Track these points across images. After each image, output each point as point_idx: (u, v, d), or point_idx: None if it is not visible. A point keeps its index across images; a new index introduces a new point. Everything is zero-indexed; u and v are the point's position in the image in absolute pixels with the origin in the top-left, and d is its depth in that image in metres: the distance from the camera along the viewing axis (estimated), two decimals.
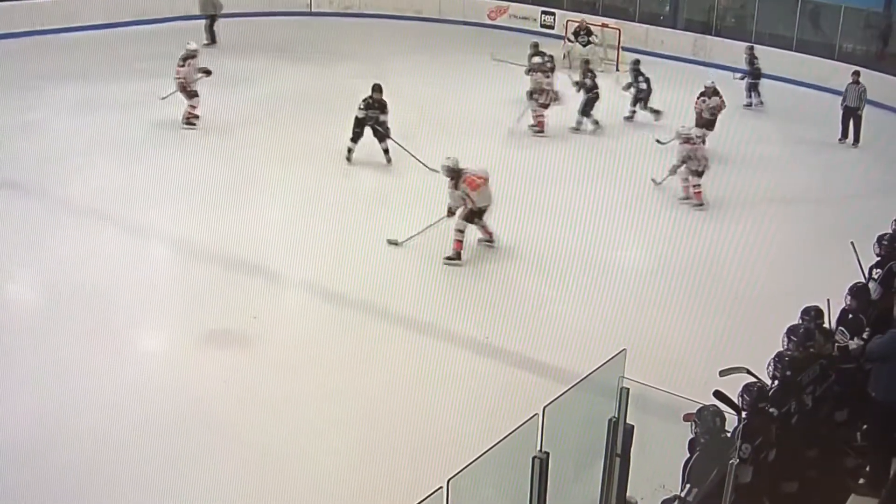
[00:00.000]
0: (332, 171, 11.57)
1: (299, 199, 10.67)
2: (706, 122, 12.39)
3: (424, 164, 10.15)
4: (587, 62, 14.24)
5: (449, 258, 9.21)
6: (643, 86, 14.03)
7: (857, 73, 13.64)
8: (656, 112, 13.94)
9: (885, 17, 16.94)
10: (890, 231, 7.05)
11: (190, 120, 12.43)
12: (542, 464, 4.13)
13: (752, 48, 15.71)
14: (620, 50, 17.70)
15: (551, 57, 14.25)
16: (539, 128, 13.36)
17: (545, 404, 4.11)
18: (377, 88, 11.35)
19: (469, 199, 9.22)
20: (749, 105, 15.32)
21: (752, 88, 15.48)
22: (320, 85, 14.82)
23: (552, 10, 19.57)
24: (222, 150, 11.88)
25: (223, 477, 5.92)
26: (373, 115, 11.29)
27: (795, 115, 15.29)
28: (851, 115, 13.61)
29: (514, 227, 9.89)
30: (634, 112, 14.12)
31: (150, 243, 9.55)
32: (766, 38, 17.83)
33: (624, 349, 4.74)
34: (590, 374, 4.67)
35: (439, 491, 3.55)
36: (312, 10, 20.10)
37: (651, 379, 4.89)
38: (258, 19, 18.44)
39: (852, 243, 6.97)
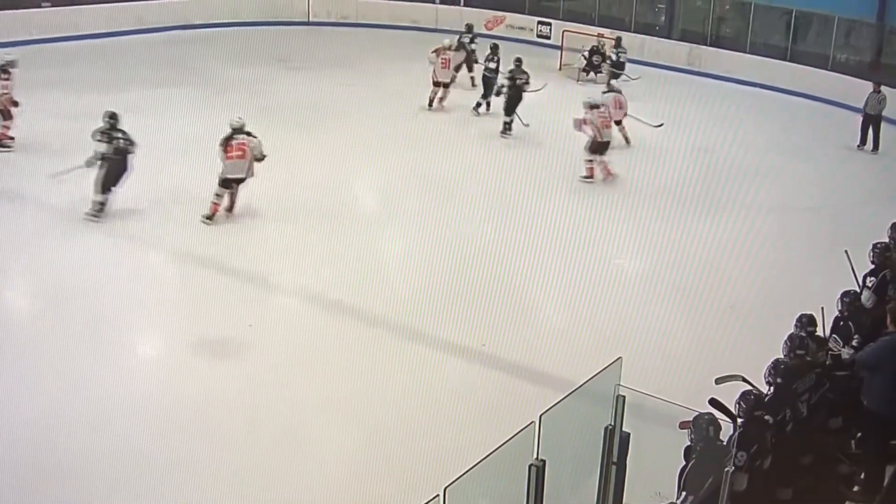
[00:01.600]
0: (326, 179, 11.60)
1: (294, 207, 10.69)
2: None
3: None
4: (495, 47, 14.59)
5: (204, 216, 9.81)
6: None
7: (878, 84, 14.04)
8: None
9: (878, 27, 17.05)
10: (885, 239, 7.08)
11: (3, 142, 11.52)
12: (538, 471, 4.15)
13: (618, 39, 16.85)
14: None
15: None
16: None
17: (542, 412, 4.13)
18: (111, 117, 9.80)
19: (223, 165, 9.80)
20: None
21: (613, 78, 15.84)
22: (317, 93, 14.88)
23: (548, 20, 19.68)
24: (217, 157, 11.89)
25: (216, 485, 5.92)
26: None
27: (790, 124, 15.39)
28: (871, 122, 13.96)
29: (507, 230, 9.94)
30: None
31: (145, 250, 9.54)
32: (761, 47, 17.95)
33: (620, 357, 4.77)
34: (586, 382, 4.70)
35: (436, 499, 3.57)
36: (310, 19, 20.21)
37: (647, 387, 4.91)
38: (257, 28, 18.54)
39: (846, 252, 6.99)
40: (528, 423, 4.03)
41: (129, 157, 9.84)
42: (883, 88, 13.91)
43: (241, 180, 9.93)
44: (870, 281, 6.56)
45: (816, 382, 5.38)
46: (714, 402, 5.00)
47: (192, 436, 6.49)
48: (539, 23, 19.73)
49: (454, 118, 14.29)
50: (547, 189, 11.38)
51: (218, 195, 9.87)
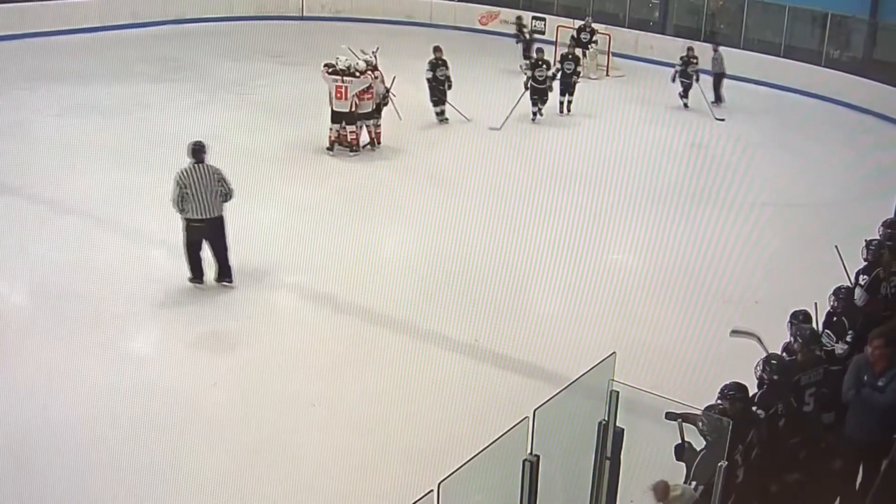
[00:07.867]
0: (323, 174, 11.58)
1: (290, 202, 10.67)
2: None
3: None
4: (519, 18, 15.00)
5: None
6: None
7: (715, 45, 16.18)
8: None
9: (870, 23, 17.09)
10: (878, 236, 7.08)
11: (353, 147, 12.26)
12: (532, 467, 4.14)
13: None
14: (610, 55, 17.83)
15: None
16: None
17: (535, 407, 4.12)
18: None
19: None
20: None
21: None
22: (311, 88, 14.82)
23: (543, 15, 19.67)
24: (213, 152, 11.85)
25: (211, 481, 5.91)
26: None
27: (783, 120, 15.44)
28: (719, 79, 15.78)
29: (501, 225, 9.94)
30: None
31: (139, 246, 9.51)
32: (755, 43, 17.97)
33: (614, 352, 4.76)
34: (580, 377, 4.69)
35: (430, 494, 3.56)
36: (304, 14, 20.16)
37: (641, 382, 4.92)
38: (250, 23, 18.49)
39: (836, 247, 7.00)
40: (522, 418, 4.03)
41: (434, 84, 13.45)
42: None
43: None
44: (862, 279, 6.52)
45: (824, 378, 5.38)
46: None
47: (185, 431, 6.48)
48: (534, 18, 19.70)
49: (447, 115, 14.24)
50: (541, 184, 11.39)
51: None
